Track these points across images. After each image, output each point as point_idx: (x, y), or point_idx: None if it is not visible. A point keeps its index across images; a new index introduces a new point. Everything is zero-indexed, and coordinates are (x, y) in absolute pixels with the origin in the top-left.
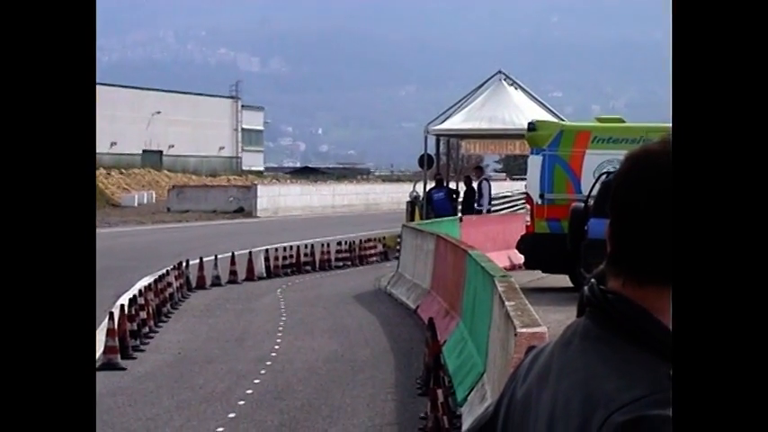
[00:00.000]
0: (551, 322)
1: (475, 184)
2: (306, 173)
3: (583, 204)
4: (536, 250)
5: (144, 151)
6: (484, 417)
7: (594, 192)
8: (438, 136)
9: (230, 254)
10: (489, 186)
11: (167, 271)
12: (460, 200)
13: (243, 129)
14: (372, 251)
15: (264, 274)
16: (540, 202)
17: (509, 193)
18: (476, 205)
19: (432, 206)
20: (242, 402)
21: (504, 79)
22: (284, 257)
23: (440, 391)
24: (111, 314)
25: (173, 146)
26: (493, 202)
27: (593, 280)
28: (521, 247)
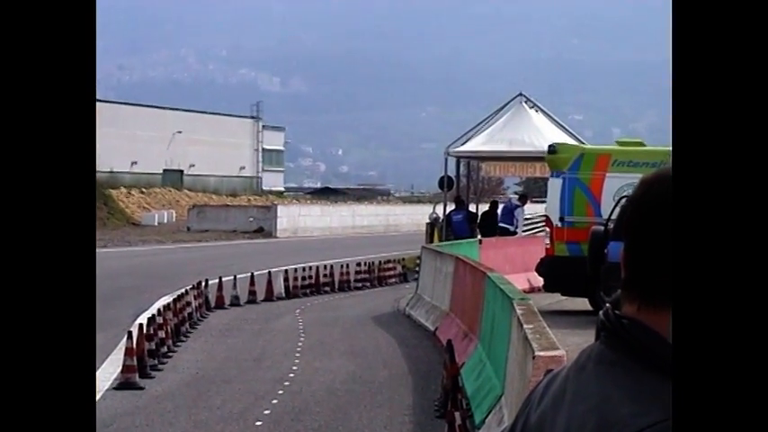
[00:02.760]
0: (570, 345)
1: (500, 209)
2: (326, 193)
3: (603, 227)
4: (555, 273)
5: (165, 170)
6: None
7: (615, 215)
8: (458, 158)
9: (249, 274)
10: (522, 211)
11: (186, 290)
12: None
13: (263, 149)
14: (391, 272)
15: (283, 295)
16: (559, 224)
17: (529, 216)
18: (512, 228)
19: (451, 228)
20: (259, 423)
21: (525, 101)
22: (303, 278)
23: (457, 414)
24: (130, 333)
25: (193, 165)
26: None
27: (608, 305)
28: (540, 269)
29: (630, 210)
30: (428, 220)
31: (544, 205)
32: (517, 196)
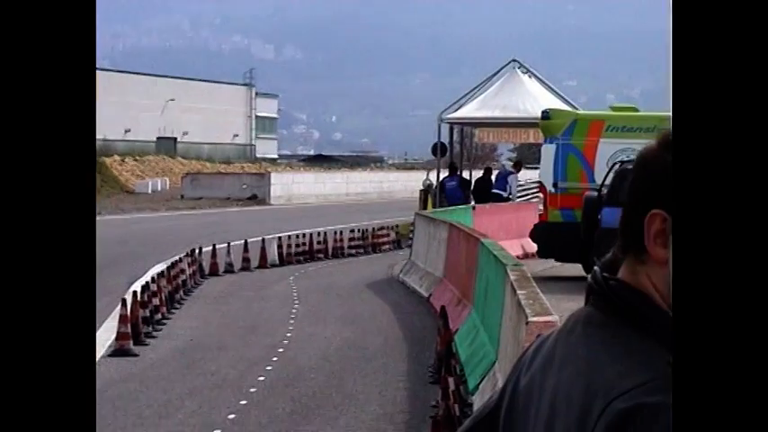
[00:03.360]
0: (564, 311)
1: (494, 175)
2: (319, 161)
3: (596, 193)
4: (549, 239)
5: (158, 138)
6: (488, 404)
7: (608, 181)
8: (452, 124)
9: (243, 241)
10: (516, 178)
11: (180, 258)
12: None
13: (257, 116)
14: (385, 239)
15: (277, 262)
16: (553, 190)
17: (520, 182)
18: (506, 194)
19: (444, 194)
20: (253, 389)
21: (519, 68)
22: (297, 245)
23: (451, 380)
24: (124, 300)
25: (187, 133)
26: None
27: (596, 267)
28: (534, 235)
29: (631, 178)
30: (421, 187)
31: (538, 171)
32: (512, 163)
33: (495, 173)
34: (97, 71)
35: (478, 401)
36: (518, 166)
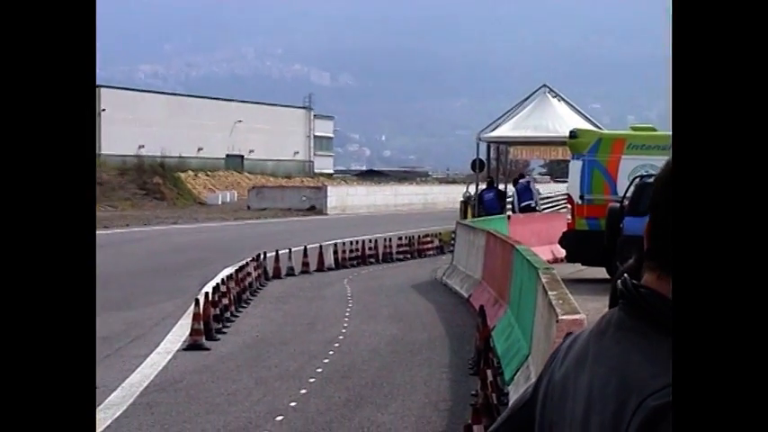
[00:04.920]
0: (589, 310)
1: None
2: (371, 175)
3: (618, 204)
4: (576, 245)
5: (227, 155)
6: (524, 397)
7: (629, 193)
8: (489, 143)
9: (303, 247)
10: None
11: (247, 262)
12: (509, 199)
13: (315, 136)
14: (429, 245)
15: (333, 266)
16: (580, 202)
17: (551, 195)
18: (532, 204)
19: (483, 205)
20: (312, 380)
21: (549, 92)
22: (351, 251)
23: (489, 372)
24: (197, 300)
25: (252, 151)
26: (540, 202)
27: (626, 274)
28: (563, 242)
29: (655, 188)
30: (462, 199)
31: (566, 184)
32: (528, 177)
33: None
34: (174, 96)
35: (513, 391)
36: (522, 176)
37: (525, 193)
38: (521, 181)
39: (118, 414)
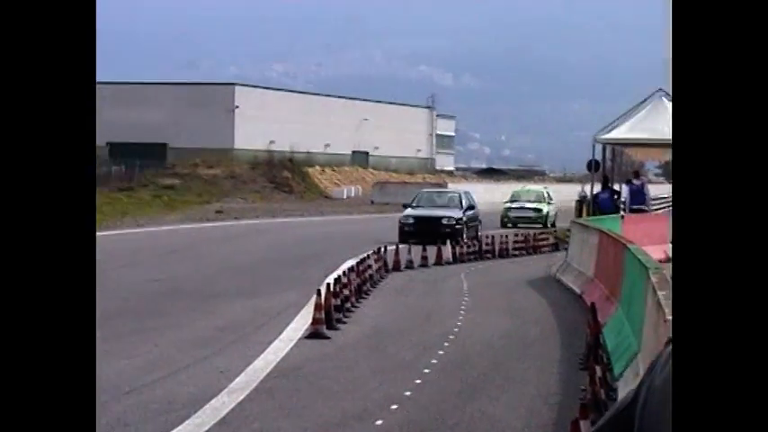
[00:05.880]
0: None
1: (625, 191)
2: (490, 173)
3: None
4: None
5: (353, 152)
6: (626, 399)
7: None
8: (605, 144)
9: None
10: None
11: (368, 255)
12: (623, 199)
13: (437, 134)
14: (545, 242)
15: (451, 260)
16: None
17: (665, 195)
18: (644, 207)
19: (597, 205)
20: (427, 370)
21: (664, 96)
22: (468, 246)
23: (598, 367)
24: (319, 291)
25: (377, 147)
26: (651, 203)
27: None
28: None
29: None
30: (577, 198)
31: None
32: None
33: (625, 189)
34: (304, 94)
35: (622, 387)
36: (635, 174)
37: (638, 195)
38: (635, 182)
39: (241, 398)
